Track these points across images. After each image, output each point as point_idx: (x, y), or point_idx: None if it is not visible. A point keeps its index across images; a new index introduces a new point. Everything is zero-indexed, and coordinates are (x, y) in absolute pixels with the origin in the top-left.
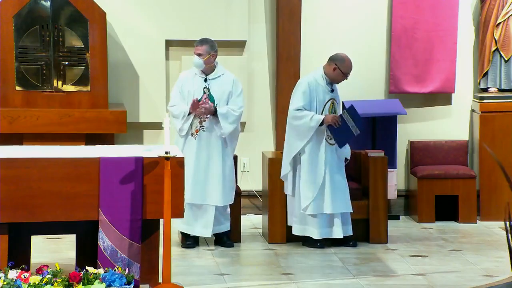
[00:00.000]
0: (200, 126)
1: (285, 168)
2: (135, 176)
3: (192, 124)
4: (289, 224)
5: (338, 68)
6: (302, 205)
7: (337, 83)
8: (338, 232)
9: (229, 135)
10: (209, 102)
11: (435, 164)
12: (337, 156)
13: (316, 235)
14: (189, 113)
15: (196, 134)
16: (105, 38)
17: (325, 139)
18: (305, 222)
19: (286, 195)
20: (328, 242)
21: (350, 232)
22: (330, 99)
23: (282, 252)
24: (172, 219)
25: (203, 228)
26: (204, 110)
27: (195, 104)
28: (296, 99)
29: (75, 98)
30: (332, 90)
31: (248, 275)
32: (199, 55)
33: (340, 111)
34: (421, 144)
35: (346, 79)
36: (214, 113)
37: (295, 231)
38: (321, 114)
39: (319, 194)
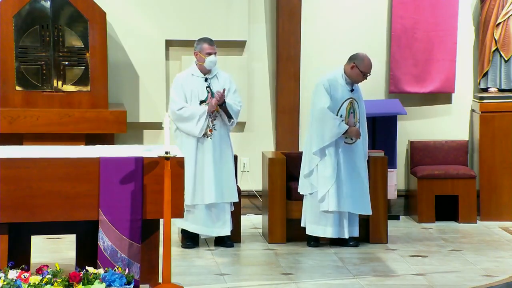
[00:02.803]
0: (213, 125)
1: (312, 164)
2: (135, 176)
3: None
4: (302, 225)
5: (356, 67)
6: (318, 196)
7: (357, 83)
8: (345, 233)
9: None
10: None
11: (435, 164)
12: (357, 156)
13: (328, 234)
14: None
15: (211, 134)
16: (105, 38)
17: (344, 140)
18: (317, 220)
19: (286, 195)
20: (328, 242)
21: (356, 234)
22: (349, 99)
23: (282, 252)
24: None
25: (221, 227)
26: (220, 99)
27: (221, 97)
28: (318, 98)
29: (75, 98)
30: (352, 90)
31: (248, 275)
32: (215, 53)
33: (360, 111)
34: (421, 144)
35: (366, 78)
36: (222, 103)
37: (309, 231)
38: (338, 112)
39: (335, 192)
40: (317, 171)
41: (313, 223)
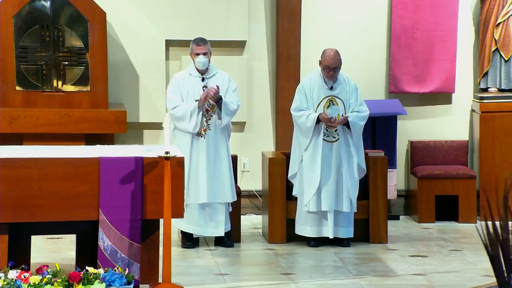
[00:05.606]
0: (207, 125)
1: (294, 168)
2: (135, 176)
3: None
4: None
5: (320, 62)
6: (304, 202)
7: (330, 79)
8: (329, 231)
9: (227, 131)
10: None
11: (435, 164)
12: (339, 155)
13: (311, 234)
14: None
15: (205, 134)
16: (105, 38)
17: (322, 138)
18: (302, 220)
19: (286, 195)
20: (324, 242)
21: (350, 235)
22: (327, 97)
23: (282, 252)
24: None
25: (215, 228)
26: (214, 94)
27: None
28: (293, 100)
29: (75, 98)
30: (331, 88)
31: (248, 275)
32: (204, 54)
33: (345, 108)
34: (421, 144)
35: (333, 72)
36: (218, 100)
37: (297, 231)
38: (316, 111)
39: (317, 192)
40: (301, 175)
41: (299, 223)
